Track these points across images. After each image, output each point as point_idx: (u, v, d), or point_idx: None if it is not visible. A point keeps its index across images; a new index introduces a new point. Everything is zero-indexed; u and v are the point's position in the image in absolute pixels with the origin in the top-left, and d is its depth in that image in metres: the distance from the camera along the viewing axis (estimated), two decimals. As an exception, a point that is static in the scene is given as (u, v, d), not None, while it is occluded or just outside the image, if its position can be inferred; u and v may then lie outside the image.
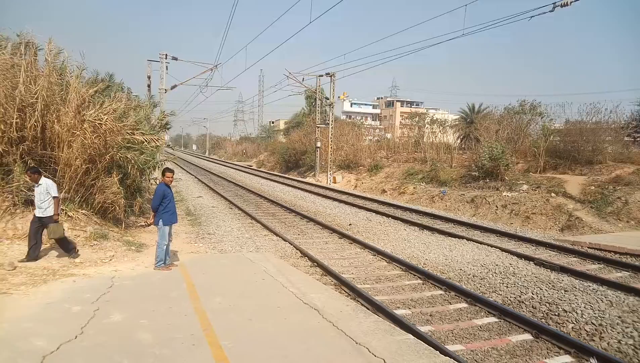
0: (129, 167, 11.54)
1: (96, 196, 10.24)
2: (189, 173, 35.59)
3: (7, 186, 8.88)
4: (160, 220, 7.54)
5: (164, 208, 7.58)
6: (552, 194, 16.18)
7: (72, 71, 10.69)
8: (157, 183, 16.89)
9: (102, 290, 6.22)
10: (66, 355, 4.19)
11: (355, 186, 28.13)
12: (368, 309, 6.34)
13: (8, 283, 6.27)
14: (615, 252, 10.49)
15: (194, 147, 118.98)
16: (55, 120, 9.52)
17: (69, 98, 9.76)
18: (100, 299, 5.86)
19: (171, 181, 7.93)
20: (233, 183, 27.86)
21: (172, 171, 7.99)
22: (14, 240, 8.35)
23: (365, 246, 10.75)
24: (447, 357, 4.52)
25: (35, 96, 9.20)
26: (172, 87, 27.28)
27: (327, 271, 8.47)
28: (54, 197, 7.62)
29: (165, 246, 7.69)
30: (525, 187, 17.74)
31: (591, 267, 9.44)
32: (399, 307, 6.83)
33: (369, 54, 29.63)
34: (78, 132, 9.50)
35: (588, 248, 11.01)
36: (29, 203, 8.94)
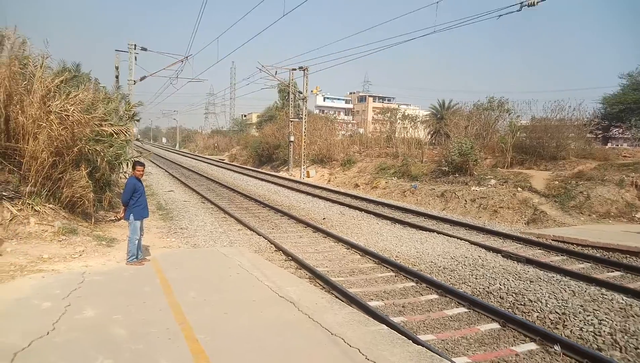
0: (98, 160, 11.28)
1: (64, 190, 9.96)
2: (160, 166, 34.90)
3: (-31, 179, 8.53)
4: (132, 214, 7.44)
5: (135, 202, 7.46)
6: (519, 189, 16.75)
7: (36, 60, 10.33)
8: (127, 176, 16.58)
9: (73, 286, 6.09)
10: (38, 352, 4.10)
11: (329, 181, 28.27)
12: (342, 301, 6.45)
13: (-28, 280, 6.06)
14: (578, 244, 10.98)
15: (164, 140, 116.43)
16: (20, 111, 9.20)
17: (34, 88, 9.44)
18: (71, 295, 5.74)
19: (142, 175, 7.83)
20: (205, 176, 27.51)
21: (142, 165, 7.89)
22: (-24, 236, 8.04)
23: (339, 239, 10.88)
24: (420, 346, 4.68)
25: (-2, 85, 8.85)
26: (142, 79, 26.64)
27: (302, 265, 8.54)
28: None
29: (137, 241, 7.57)
30: (493, 182, 18.28)
31: (555, 259, 9.86)
32: (372, 299, 6.98)
33: (343, 48, 30.06)
34: (44, 124, 9.20)
35: (552, 240, 11.48)
36: (-6, 197, 8.64)
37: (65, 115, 9.51)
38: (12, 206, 8.80)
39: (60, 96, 10.00)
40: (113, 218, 11.87)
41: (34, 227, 8.72)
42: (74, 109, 9.72)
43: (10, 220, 8.63)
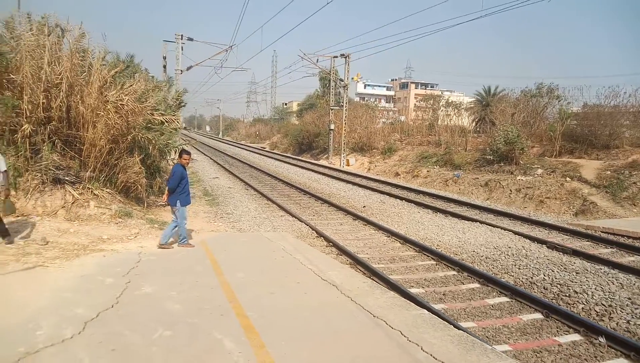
0: (150, 148, 11.88)
1: (119, 175, 10.59)
2: (204, 154, 36.02)
3: (36, 164, 9.23)
4: (178, 201, 7.67)
5: (182, 189, 7.70)
6: (567, 179, 16.17)
7: (94, 53, 10.94)
8: (174, 163, 17.27)
9: (131, 265, 6.56)
10: (105, 322, 4.52)
11: (369, 169, 28.26)
12: (383, 286, 6.59)
13: (43, 257, 6.64)
14: (629, 237, 10.56)
15: (208, 128, 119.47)
16: (80, 101, 9.82)
17: (92, 79, 10.04)
18: (130, 272, 6.20)
19: (188, 163, 8.06)
20: (247, 164, 28.18)
21: (189, 153, 8.11)
22: (43, 217, 8.73)
23: (380, 227, 10.98)
24: (460, 331, 4.76)
25: (60, 76, 9.48)
26: (188, 68, 27.51)
27: (343, 251, 8.74)
28: (3, 171, 7.02)
29: (185, 225, 7.97)
30: (540, 171, 17.73)
31: (603, 251, 9.55)
32: (413, 286, 7.09)
33: (385, 35, 29.50)
34: (101, 113, 9.79)
35: (601, 232, 11.09)
36: (57, 181, 9.32)
37: (121, 104, 10.08)
38: (74, 190, 9.47)
39: (116, 86, 10.59)
40: (163, 203, 12.49)
41: (93, 210, 9.36)
42: (128, 99, 10.28)
43: (73, 203, 9.30)
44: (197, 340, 4.23)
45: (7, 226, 7.26)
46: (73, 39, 10.03)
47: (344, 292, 5.83)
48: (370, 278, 7.12)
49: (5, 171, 7.07)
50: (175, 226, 7.85)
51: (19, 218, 8.49)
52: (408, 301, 5.76)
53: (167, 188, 7.82)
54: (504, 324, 5.80)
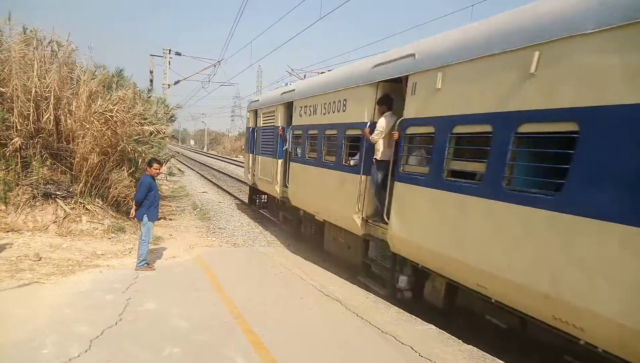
0: (140, 160, 11.73)
1: (110, 189, 10.40)
2: (191, 168, 35.65)
3: (27, 178, 9.02)
4: (146, 216, 7.04)
5: (150, 202, 7.05)
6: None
7: (82, 66, 10.79)
8: (162, 178, 16.99)
9: (129, 281, 6.41)
10: (111, 340, 4.38)
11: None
12: (386, 302, 6.56)
13: (38, 273, 6.45)
14: None
15: (192, 142, 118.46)
16: (68, 113, 9.66)
17: (80, 92, 9.88)
18: (130, 289, 6.05)
19: (158, 174, 7.46)
20: (235, 178, 27.97)
21: (160, 163, 7.52)
22: (34, 232, 8.52)
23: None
24: (471, 346, 4.76)
25: (48, 88, 9.33)
26: (176, 83, 27.39)
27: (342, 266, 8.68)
28: None
29: (149, 244, 7.25)
30: None
31: None
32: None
33: (372, 53, 29.85)
34: (88, 126, 9.60)
35: None
36: (48, 195, 9.11)
37: (110, 116, 9.91)
38: (66, 205, 9.26)
39: (104, 97, 10.43)
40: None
41: (85, 225, 9.16)
42: (116, 109, 10.10)
43: (64, 218, 9.09)
44: (208, 358, 4.14)
45: None
46: (62, 52, 9.92)
47: (348, 308, 5.80)
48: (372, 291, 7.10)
49: None
50: (149, 243, 7.27)
51: (9, 233, 8.26)
52: (413, 316, 5.75)
53: (133, 202, 7.20)
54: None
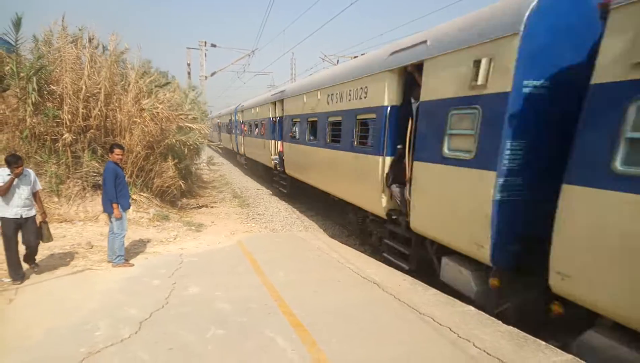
0: (185, 150, 12.17)
1: (155, 180, 10.85)
2: (228, 159, 36.39)
3: (77, 171, 9.54)
4: (120, 206, 6.47)
5: (119, 191, 6.43)
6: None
7: (132, 64, 11.19)
8: (202, 167, 17.50)
9: (175, 266, 6.72)
10: (159, 322, 4.64)
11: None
12: (424, 284, 6.55)
13: (90, 261, 6.86)
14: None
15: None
16: (117, 109, 10.11)
17: (129, 89, 10.31)
18: (175, 274, 6.34)
19: (121, 159, 6.70)
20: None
21: (122, 148, 6.70)
22: (85, 222, 9.02)
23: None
24: (510, 327, 4.70)
25: (99, 86, 9.77)
26: (212, 74, 27.93)
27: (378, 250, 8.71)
28: (36, 191, 6.04)
29: (123, 238, 6.68)
30: None
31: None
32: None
33: (406, 34, 29.27)
34: (138, 120, 10.05)
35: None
36: (97, 187, 9.60)
37: (156, 112, 10.32)
38: (113, 196, 9.72)
39: (150, 95, 10.85)
40: (196, 206, 12.73)
41: (132, 214, 9.59)
42: (162, 107, 10.51)
43: (113, 208, 9.55)
44: (250, 338, 4.31)
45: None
46: (112, 52, 10.31)
47: (386, 290, 5.83)
48: (410, 275, 7.10)
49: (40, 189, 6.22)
50: (124, 237, 6.69)
51: (62, 223, 8.79)
52: (452, 297, 5.72)
53: (105, 198, 6.44)
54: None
